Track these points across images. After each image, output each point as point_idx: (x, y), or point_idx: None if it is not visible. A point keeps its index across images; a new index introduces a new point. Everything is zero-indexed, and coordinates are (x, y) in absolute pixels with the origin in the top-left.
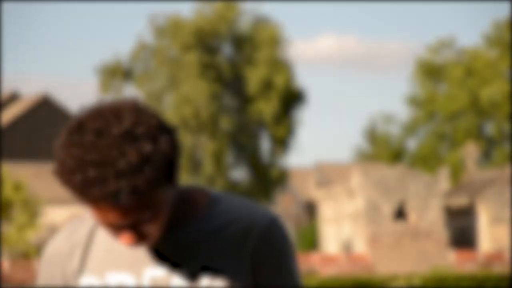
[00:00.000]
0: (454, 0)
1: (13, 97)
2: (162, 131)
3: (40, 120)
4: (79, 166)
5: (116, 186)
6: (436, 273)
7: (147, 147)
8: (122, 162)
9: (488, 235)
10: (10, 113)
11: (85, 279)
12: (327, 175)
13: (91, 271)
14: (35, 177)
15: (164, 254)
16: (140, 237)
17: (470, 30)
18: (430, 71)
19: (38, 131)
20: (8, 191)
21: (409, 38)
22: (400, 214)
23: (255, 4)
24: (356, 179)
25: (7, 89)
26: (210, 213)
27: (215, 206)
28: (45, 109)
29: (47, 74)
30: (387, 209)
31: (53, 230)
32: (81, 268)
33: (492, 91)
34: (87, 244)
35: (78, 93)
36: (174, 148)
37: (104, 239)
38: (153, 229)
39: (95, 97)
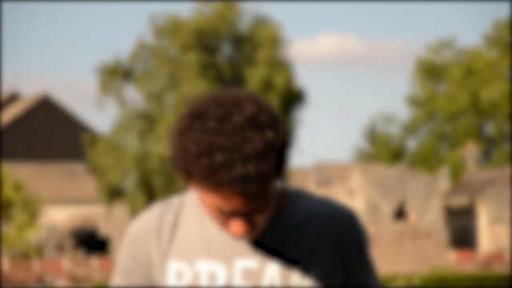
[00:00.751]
0: (454, 0)
1: (13, 97)
2: (279, 121)
3: (40, 120)
4: (205, 151)
5: (243, 171)
6: (436, 273)
7: (270, 134)
8: (249, 148)
9: (488, 235)
10: (10, 113)
11: (174, 264)
12: (327, 175)
13: (179, 256)
14: (35, 177)
15: (255, 247)
16: (249, 228)
17: (470, 30)
18: (430, 71)
19: (38, 131)
20: (8, 191)
21: (409, 38)
22: (400, 214)
23: (255, 4)
24: (356, 179)
25: (7, 89)
26: (293, 208)
27: (297, 202)
28: (45, 109)
29: (47, 74)
30: (387, 209)
31: (53, 230)
32: (167, 252)
33: (492, 91)
34: (174, 228)
35: (78, 93)
36: (286, 139)
37: (191, 225)
38: (261, 220)
39: (95, 97)
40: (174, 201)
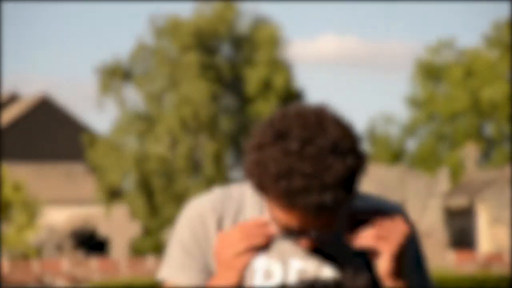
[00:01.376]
0: (454, 1)
1: (13, 98)
2: (361, 147)
3: (39, 121)
4: (284, 173)
5: (320, 199)
6: (435, 274)
7: (351, 162)
8: (328, 175)
9: (488, 236)
10: (10, 114)
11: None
12: None
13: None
14: (35, 178)
15: (314, 249)
16: (315, 242)
17: (470, 30)
18: (430, 72)
19: (38, 131)
20: (7, 191)
21: (409, 38)
22: None
23: (254, 4)
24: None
25: (7, 89)
26: (358, 205)
27: (355, 203)
28: (45, 110)
29: (46, 75)
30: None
31: (52, 231)
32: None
33: (492, 92)
34: (235, 221)
35: (78, 93)
36: (365, 164)
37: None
38: (327, 233)
39: (94, 98)
40: (234, 192)
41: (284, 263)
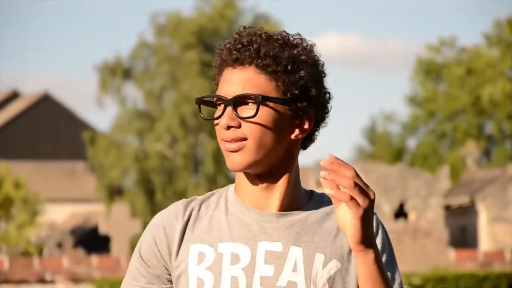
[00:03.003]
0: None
1: (14, 95)
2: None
3: (40, 118)
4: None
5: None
6: (436, 272)
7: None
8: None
9: (488, 234)
10: (11, 111)
11: (195, 247)
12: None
13: (201, 240)
14: (35, 176)
15: (281, 232)
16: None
17: (471, 29)
18: (431, 70)
19: (38, 129)
20: (8, 189)
21: (410, 37)
22: (400, 213)
23: (255, 2)
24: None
25: (7, 87)
26: (316, 202)
27: (312, 196)
28: (46, 107)
29: (47, 72)
30: (387, 208)
31: (53, 228)
32: (189, 238)
33: (493, 90)
34: (197, 217)
35: (78, 91)
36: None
37: (216, 214)
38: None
39: (95, 96)
40: (199, 196)
41: (252, 246)
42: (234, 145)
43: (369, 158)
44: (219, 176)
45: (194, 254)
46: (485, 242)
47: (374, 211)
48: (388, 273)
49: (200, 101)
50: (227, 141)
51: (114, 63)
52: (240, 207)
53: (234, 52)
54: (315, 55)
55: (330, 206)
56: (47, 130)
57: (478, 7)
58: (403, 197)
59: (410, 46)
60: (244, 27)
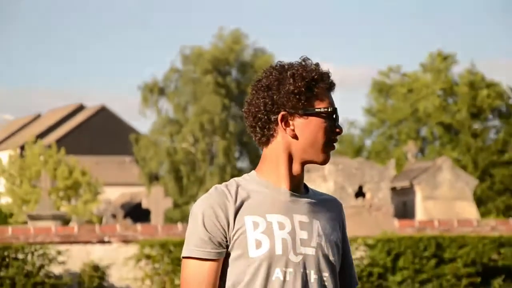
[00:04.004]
0: (399, 37)
1: (80, 108)
2: None
3: (99, 124)
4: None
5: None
6: (385, 235)
7: None
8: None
9: (422, 208)
10: (78, 119)
11: (249, 218)
12: (307, 166)
13: (252, 212)
14: (96, 166)
15: (304, 208)
16: None
17: (411, 59)
18: (382, 89)
19: (98, 132)
20: (76, 175)
21: (368, 65)
22: (359, 193)
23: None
24: (328, 168)
25: (75, 101)
26: (313, 191)
27: (306, 186)
28: (103, 116)
29: (104, 90)
30: (350, 190)
31: (108, 204)
32: (241, 211)
33: (427, 105)
34: (240, 195)
35: (127, 104)
36: None
37: (255, 190)
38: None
39: (138, 108)
40: (231, 182)
41: (290, 217)
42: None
43: (337, 154)
44: (228, 167)
45: (249, 223)
46: (420, 214)
47: (340, 201)
48: (350, 261)
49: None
50: (335, 142)
51: (152, 83)
52: (276, 189)
53: (330, 78)
54: None
55: (324, 196)
56: (104, 133)
57: (417, 42)
58: (361, 182)
59: (368, 72)
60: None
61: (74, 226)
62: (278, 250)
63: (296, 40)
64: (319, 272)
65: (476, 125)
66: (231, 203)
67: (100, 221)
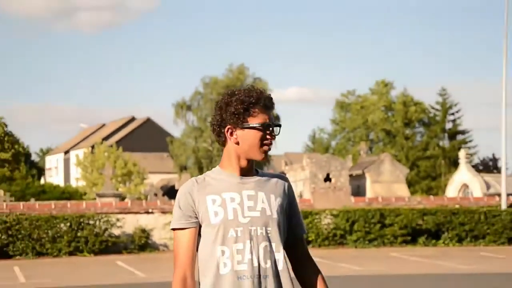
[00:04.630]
0: (356, 70)
1: (132, 119)
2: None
3: (146, 130)
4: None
5: (270, 99)
6: (345, 208)
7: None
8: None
9: (371, 189)
10: (130, 127)
11: (209, 197)
12: (291, 159)
13: (211, 192)
14: (144, 159)
15: (251, 185)
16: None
17: (363, 85)
18: (343, 106)
19: (144, 136)
20: (130, 166)
21: (333, 89)
22: (327, 178)
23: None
24: (305, 161)
25: (128, 114)
26: (262, 173)
27: (257, 171)
28: (148, 125)
29: (149, 105)
30: (321, 176)
31: (152, 186)
32: (204, 192)
33: (373, 117)
34: (204, 182)
35: (165, 116)
36: None
37: (215, 178)
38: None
39: (172, 118)
40: (200, 175)
41: (240, 193)
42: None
43: (312, 151)
44: None
45: (209, 200)
46: (369, 193)
47: (292, 185)
48: (299, 215)
49: (270, 125)
50: (270, 145)
51: (182, 102)
52: (230, 175)
53: (269, 100)
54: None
55: (272, 174)
56: (149, 137)
57: (366, 73)
58: (328, 170)
59: (334, 93)
60: (252, 86)
61: (128, 201)
62: (230, 216)
63: (282, 71)
64: (264, 227)
65: (407, 131)
66: (196, 189)
67: (146, 198)
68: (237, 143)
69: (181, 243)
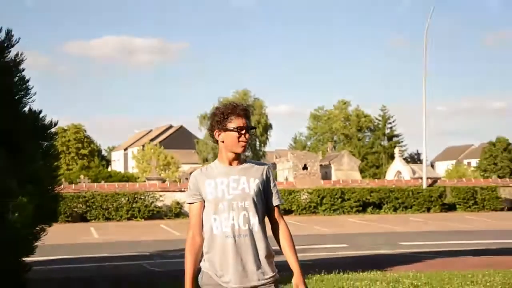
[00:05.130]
0: (326, 91)
1: (169, 127)
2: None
3: (179, 135)
4: (231, 109)
5: (245, 109)
6: (317, 188)
7: (249, 110)
8: (242, 107)
9: (334, 174)
10: (168, 133)
11: (207, 181)
12: (280, 154)
13: (209, 178)
14: (178, 155)
15: (237, 172)
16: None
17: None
18: (315, 118)
19: (179, 139)
20: (168, 159)
21: (305, 104)
22: (304, 167)
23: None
24: (289, 155)
25: (167, 123)
26: (249, 162)
27: (249, 161)
28: (182, 132)
29: (182, 115)
30: (300, 166)
31: (183, 173)
32: (205, 177)
33: (337, 126)
34: (206, 170)
35: (194, 124)
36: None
37: (214, 167)
38: (237, 156)
39: (198, 126)
40: (205, 165)
41: (227, 177)
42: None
43: (294, 149)
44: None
45: (207, 183)
46: (333, 177)
47: (270, 168)
48: (275, 191)
49: (247, 128)
50: (245, 141)
51: (204, 114)
52: (223, 165)
53: (243, 110)
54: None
55: (256, 162)
56: (182, 138)
57: (331, 94)
58: (305, 162)
59: (309, 108)
60: (232, 102)
61: (167, 183)
62: (219, 194)
63: (275, 93)
64: (243, 201)
65: (359, 135)
66: (200, 175)
67: (179, 181)
68: (223, 142)
69: (191, 212)
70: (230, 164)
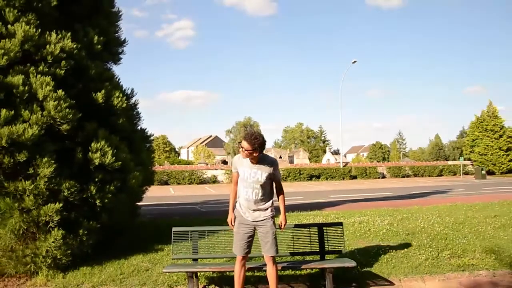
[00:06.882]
0: (290, 117)
1: (209, 136)
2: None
3: (215, 142)
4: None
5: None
6: (287, 168)
7: (261, 140)
8: (255, 139)
9: (297, 162)
10: (210, 139)
11: (241, 168)
12: (267, 150)
13: (242, 166)
14: (215, 151)
15: (256, 166)
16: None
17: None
18: (286, 131)
19: (216, 143)
20: (210, 153)
21: (282, 123)
22: (291, 161)
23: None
24: (272, 151)
25: (207, 134)
26: (263, 157)
27: (264, 155)
28: (216, 140)
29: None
30: (278, 156)
31: (217, 160)
32: (240, 165)
33: (296, 135)
34: (240, 159)
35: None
36: (264, 145)
37: (243, 159)
38: (256, 158)
39: (224, 135)
40: (239, 154)
41: (251, 168)
42: (250, 158)
43: (279, 147)
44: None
45: (241, 169)
46: (296, 162)
47: (277, 161)
48: (278, 174)
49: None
50: (246, 154)
51: (228, 130)
52: (249, 162)
53: (244, 136)
54: (261, 139)
55: (268, 159)
56: (216, 143)
57: (296, 117)
58: (280, 154)
59: (282, 126)
60: (250, 129)
61: (209, 165)
62: (244, 177)
63: (266, 116)
64: (255, 183)
65: (308, 140)
66: (239, 161)
67: (215, 164)
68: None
69: (233, 177)
70: (252, 162)
